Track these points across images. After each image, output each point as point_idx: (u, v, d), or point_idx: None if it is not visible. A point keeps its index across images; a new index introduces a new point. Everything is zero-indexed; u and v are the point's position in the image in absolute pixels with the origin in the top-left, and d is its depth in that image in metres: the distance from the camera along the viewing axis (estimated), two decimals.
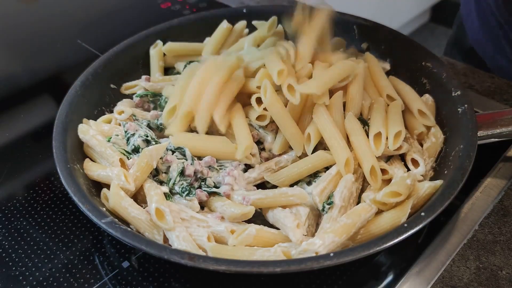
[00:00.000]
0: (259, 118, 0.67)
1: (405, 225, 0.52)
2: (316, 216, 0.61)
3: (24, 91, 0.91)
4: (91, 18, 1.11)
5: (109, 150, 0.64)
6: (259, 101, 0.66)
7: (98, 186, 0.63)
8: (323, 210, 0.59)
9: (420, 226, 0.52)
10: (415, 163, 0.65)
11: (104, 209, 0.58)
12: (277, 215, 0.58)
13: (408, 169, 0.65)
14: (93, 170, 0.63)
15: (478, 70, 0.87)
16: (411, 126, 0.68)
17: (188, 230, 0.57)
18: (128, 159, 0.64)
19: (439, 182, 0.58)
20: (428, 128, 0.68)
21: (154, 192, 0.59)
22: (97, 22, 1.10)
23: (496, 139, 0.64)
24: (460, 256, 0.58)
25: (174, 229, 0.56)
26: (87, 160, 0.65)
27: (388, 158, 0.66)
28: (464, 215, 0.62)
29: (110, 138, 0.67)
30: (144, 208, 0.59)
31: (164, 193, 0.60)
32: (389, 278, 0.58)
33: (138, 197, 0.62)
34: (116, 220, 0.55)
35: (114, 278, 0.59)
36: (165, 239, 0.57)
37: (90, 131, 0.66)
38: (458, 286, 0.56)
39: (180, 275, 0.59)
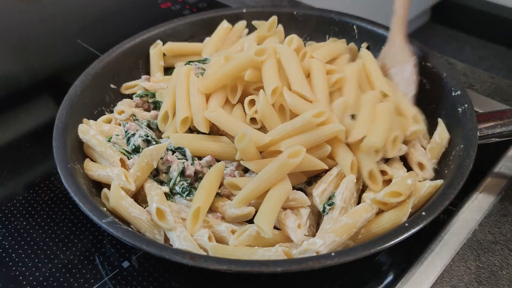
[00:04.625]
0: (253, 120, 0.66)
1: (406, 224, 0.52)
2: (317, 216, 0.61)
3: (24, 91, 0.91)
4: (91, 18, 1.11)
5: (110, 150, 0.64)
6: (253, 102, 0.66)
7: (98, 186, 0.63)
8: (323, 211, 0.59)
9: (421, 225, 0.52)
10: (421, 165, 0.64)
11: (105, 209, 0.58)
12: (278, 216, 0.58)
13: (408, 170, 0.65)
14: (94, 170, 0.63)
15: (478, 70, 0.87)
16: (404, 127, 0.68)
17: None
18: (129, 159, 0.64)
19: (439, 182, 0.58)
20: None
21: (154, 192, 0.59)
22: (97, 22, 1.10)
23: (497, 139, 0.64)
24: (460, 256, 0.58)
25: (175, 229, 0.56)
26: (87, 160, 0.65)
27: (387, 159, 0.66)
28: (464, 215, 0.62)
29: (111, 138, 0.67)
30: (144, 208, 0.60)
31: (165, 193, 0.60)
32: (390, 278, 0.58)
33: (139, 197, 0.62)
34: (117, 220, 0.55)
35: (114, 278, 0.59)
36: (166, 239, 0.57)
37: (90, 131, 0.66)
38: (458, 286, 0.56)
39: (180, 275, 0.59)
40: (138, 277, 0.59)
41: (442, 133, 0.66)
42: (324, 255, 0.50)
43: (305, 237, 0.56)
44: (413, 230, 0.51)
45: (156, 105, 0.76)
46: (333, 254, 0.49)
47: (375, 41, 0.81)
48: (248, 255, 0.53)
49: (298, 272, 0.50)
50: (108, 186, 0.61)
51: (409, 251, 0.59)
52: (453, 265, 0.57)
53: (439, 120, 0.68)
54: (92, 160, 0.66)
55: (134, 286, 0.58)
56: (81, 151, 0.66)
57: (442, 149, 0.65)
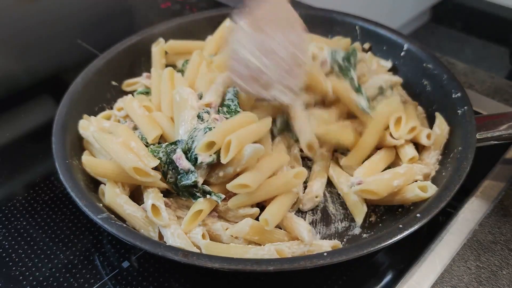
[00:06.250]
0: None
1: (400, 226, 0.52)
2: None
3: (24, 91, 0.91)
4: (91, 18, 1.11)
5: None
6: None
7: (96, 182, 0.63)
8: None
9: (415, 227, 0.52)
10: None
11: (101, 205, 0.58)
12: (288, 215, 0.59)
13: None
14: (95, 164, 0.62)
15: (478, 69, 0.88)
16: None
17: (183, 228, 0.57)
18: None
19: (428, 195, 0.58)
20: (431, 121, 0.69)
21: (151, 188, 0.59)
22: (97, 22, 1.10)
23: (495, 142, 0.64)
24: (460, 256, 0.58)
25: (170, 226, 0.56)
26: (86, 152, 0.65)
27: None
28: (464, 215, 0.62)
29: None
30: (140, 205, 0.60)
31: (166, 190, 0.61)
32: (390, 278, 0.58)
33: (135, 194, 0.62)
34: (113, 216, 0.55)
35: (114, 278, 0.59)
36: (160, 236, 0.57)
37: (90, 127, 0.66)
38: (458, 286, 0.56)
39: (180, 275, 0.59)
40: (138, 277, 0.59)
41: (441, 124, 0.67)
42: (317, 255, 0.50)
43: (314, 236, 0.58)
44: (406, 232, 0.52)
45: None
46: (325, 254, 0.50)
47: (377, 41, 0.81)
48: (241, 253, 0.54)
49: (297, 272, 0.50)
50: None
51: (409, 251, 0.59)
52: (453, 265, 0.57)
53: (437, 113, 0.68)
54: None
55: (134, 286, 0.58)
56: (81, 148, 0.67)
57: (444, 140, 0.66)
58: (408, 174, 0.61)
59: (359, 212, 0.62)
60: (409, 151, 0.65)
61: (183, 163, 0.59)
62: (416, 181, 0.62)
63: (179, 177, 0.60)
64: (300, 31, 0.62)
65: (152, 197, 0.58)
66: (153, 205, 0.57)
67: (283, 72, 0.60)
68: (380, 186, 0.59)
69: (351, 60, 0.72)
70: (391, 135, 0.66)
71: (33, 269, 0.60)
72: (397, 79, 0.73)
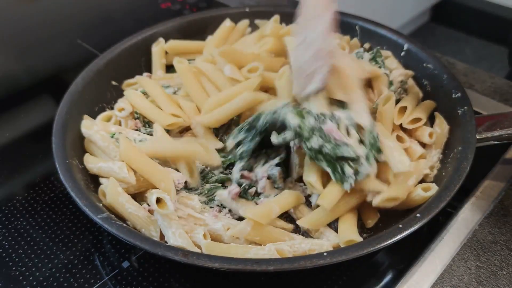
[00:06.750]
0: None
1: (400, 226, 0.52)
2: None
3: (24, 91, 0.91)
4: (91, 18, 1.11)
5: (113, 145, 0.64)
6: None
7: (96, 183, 0.63)
8: None
9: (415, 227, 0.52)
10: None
11: (101, 205, 0.58)
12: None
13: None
14: (94, 162, 0.63)
15: (478, 69, 0.87)
16: None
17: (184, 228, 0.57)
18: None
19: (429, 194, 0.58)
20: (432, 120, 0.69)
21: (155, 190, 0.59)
22: (97, 22, 1.10)
23: (495, 142, 0.64)
24: (460, 256, 0.58)
25: (175, 215, 0.56)
26: (87, 154, 0.65)
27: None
28: (464, 215, 0.63)
29: (114, 134, 0.67)
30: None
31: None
32: (390, 278, 0.58)
33: (137, 197, 0.62)
34: (113, 216, 0.55)
35: (114, 278, 0.59)
36: (162, 236, 0.57)
37: (94, 127, 0.66)
38: (458, 286, 0.56)
39: (181, 275, 0.59)
40: (138, 277, 0.59)
41: (441, 123, 0.67)
42: (316, 255, 0.50)
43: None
44: (406, 232, 0.51)
45: None
46: (325, 254, 0.50)
47: (377, 41, 0.80)
48: (241, 253, 0.54)
49: (297, 272, 0.50)
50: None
51: (409, 251, 0.59)
52: (453, 265, 0.57)
53: (436, 113, 0.68)
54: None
55: (134, 286, 0.58)
56: (81, 148, 0.66)
57: (444, 139, 0.66)
58: (417, 171, 0.61)
59: (373, 219, 0.62)
60: (416, 149, 0.65)
61: (338, 135, 0.58)
62: (423, 180, 0.62)
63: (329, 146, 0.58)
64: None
65: (157, 191, 0.58)
66: (158, 198, 0.56)
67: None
68: (399, 190, 0.59)
69: (378, 60, 0.72)
70: (396, 138, 0.66)
71: (33, 269, 0.60)
72: (410, 72, 0.73)
